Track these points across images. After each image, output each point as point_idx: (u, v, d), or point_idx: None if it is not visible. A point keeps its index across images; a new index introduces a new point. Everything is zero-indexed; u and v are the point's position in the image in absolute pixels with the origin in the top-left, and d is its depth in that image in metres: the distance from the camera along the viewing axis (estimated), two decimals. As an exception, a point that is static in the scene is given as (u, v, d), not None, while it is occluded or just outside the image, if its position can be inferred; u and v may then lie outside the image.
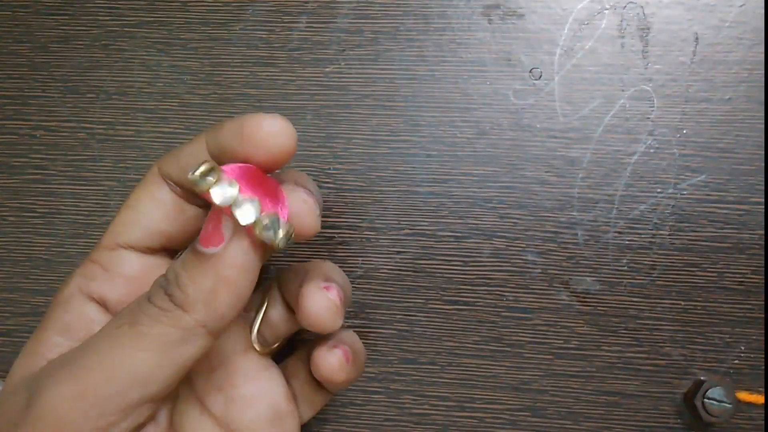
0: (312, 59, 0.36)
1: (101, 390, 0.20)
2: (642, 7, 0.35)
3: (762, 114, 0.34)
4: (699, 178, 0.34)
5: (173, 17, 0.37)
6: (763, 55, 0.34)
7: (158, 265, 0.25)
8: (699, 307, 0.34)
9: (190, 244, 0.21)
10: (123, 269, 0.24)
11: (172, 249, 0.26)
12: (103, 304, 0.24)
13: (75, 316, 0.24)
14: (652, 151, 0.35)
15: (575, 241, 0.35)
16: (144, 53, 0.37)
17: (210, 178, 0.18)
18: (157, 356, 0.20)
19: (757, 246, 0.34)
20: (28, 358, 0.23)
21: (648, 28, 0.35)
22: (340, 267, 0.29)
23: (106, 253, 0.24)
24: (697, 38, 0.35)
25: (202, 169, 0.18)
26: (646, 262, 0.34)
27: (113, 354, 0.20)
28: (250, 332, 0.27)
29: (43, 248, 0.37)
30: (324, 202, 0.36)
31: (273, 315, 0.28)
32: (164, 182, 0.24)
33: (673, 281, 0.34)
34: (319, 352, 0.26)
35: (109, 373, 0.20)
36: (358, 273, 0.35)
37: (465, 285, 0.35)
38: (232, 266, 0.20)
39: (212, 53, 0.36)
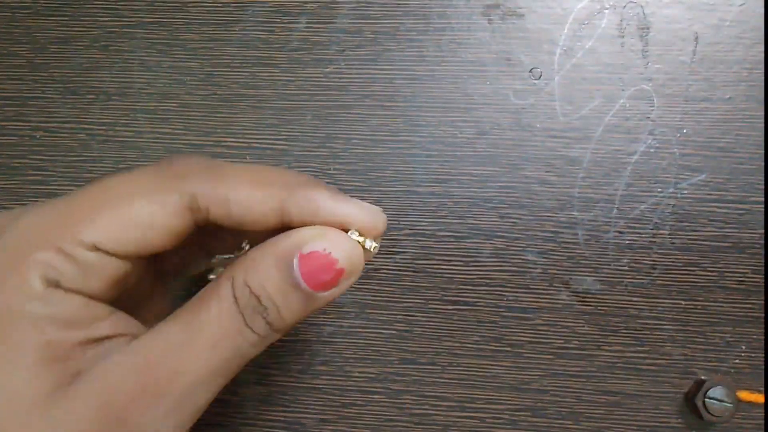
0: (312, 59, 0.36)
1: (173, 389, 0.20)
2: (642, 6, 0.35)
3: (762, 113, 0.34)
4: (699, 178, 0.34)
5: (173, 18, 0.37)
6: (763, 54, 0.34)
7: (125, 265, 0.21)
8: (699, 307, 0.34)
9: (285, 274, 0.20)
10: (103, 273, 0.20)
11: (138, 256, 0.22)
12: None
13: (67, 310, 0.20)
14: (652, 150, 0.34)
15: (575, 240, 0.35)
16: (144, 54, 0.37)
17: (372, 243, 0.21)
18: (227, 362, 0.20)
19: (757, 245, 0.34)
20: None
21: (648, 28, 0.35)
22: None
23: (80, 250, 0.20)
24: (697, 37, 0.35)
25: (358, 238, 0.21)
26: (646, 262, 0.34)
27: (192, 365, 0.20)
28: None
29: (43, 249, 0.37)
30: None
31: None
32: (176, 194, 0.20)
33: (674, 281, 0.34)
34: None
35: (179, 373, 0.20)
36: (359, 273, 0.35)
37: (465, 285, 0.35)
38: (331, 299, 0.21)
39: (212, 54, 0.36)
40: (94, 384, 0.19)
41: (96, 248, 0.20)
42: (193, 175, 0.21)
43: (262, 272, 0.20)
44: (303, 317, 0.21)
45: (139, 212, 0.20)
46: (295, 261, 0.20)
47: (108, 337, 0.20)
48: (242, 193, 0.20)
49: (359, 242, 0.21)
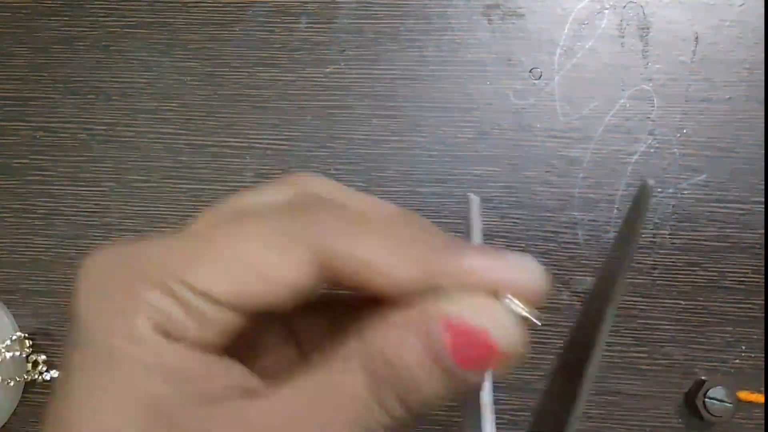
0: (312, 60, 0.36)
1: None
2: (642, 6, 0.35)
3: (762, 113, 0.34)
4: (699, 178, 0.34)
5: (174, 18, 0.37)
6: (763, 54, 0.34)
7: (239, 322, 0.18)
8: (700, 307, 0.34)
9: (427, 346, 0.16)
10: (216, 324, 0.18)
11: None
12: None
13: (176, 362, 0.17)
14: (652, 150, 0.35)
15: (576, 240, 0.35)
16: (145, 54, 0.37)
17: (536, 313, 0.17)
18: None
19: (757, 245, 0.34)
20: None
21: (648, 28, 0.35)
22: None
23: (192, 296, 0.17)
24: (697, 38, 0.35)
25: (516, 307, 0.17)
26: (647, 262, 0.34)
27: None
28: None
29: (43, 249, 0.37)
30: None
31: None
32: (310, 250, 0.17)
33: (674, 281, 0.34)
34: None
35: None
36: (359, 273, 0.35)
37: (466, 285, 0.35)
38: (479, 383, 0.18)
39: (213, 54, 0.36)
40: None
41: (209, 297, 0.17)
42: (328, 228, 0.18)
43: (402, 341, 0.16)
44: (442, 398, 0.17)
45: (265, 265, 0.17)
46: (441, 331, 0.16)
47: (222, 393, 0.18)
48: (383, 259, 0.17)
49: (518, 313, 0.17)
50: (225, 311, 0.17)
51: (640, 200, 0.16)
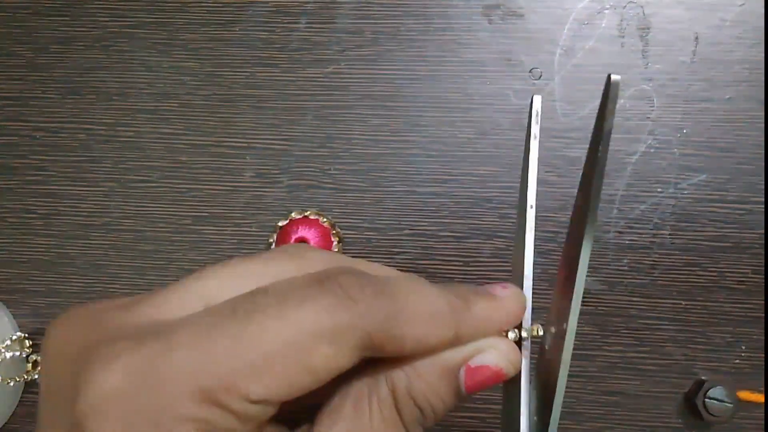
0: (312, 60, 0.36)
1: None
2: (642, 6, 0.35)
3: (762, 113, 0.34)
4: (699, 178, 0.34)
5: (173, 18, 0.37)
6: (763, 54, 0.34)
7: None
8: (700, 307, 0.34)
9: (451, 387, 0.19)
10: (260, 419, 0.17)
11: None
12: None
13: None
14: (652, 150, 0.35)
15: (576, 240, 0.35)
16: (144, 54, 0.37)
17: (528, 331, 0.21)
18: None
19: (757, 245, 0.34)
20: None
21: (648, 28, 0.35)
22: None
23: (243, 404, 0.17)
24: (697, 38, 0.35)
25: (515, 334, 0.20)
26: (646, 262, 0.34)
27: None
28: None
29: (43, 249, 0.37)
30: (324, 202, 0.36)
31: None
32: (355, 335, 0.18)
33: (674, 281, 0.34)
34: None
35: None
36: (359, 273, 0.35)
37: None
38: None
39: (212, 54, 0.36)
40: None
41: (262, 401, 0.17)
42: (367, 305, 0.18)
43: (428, 384, 0.19)
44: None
45: (317, 357, 0.17)
46: (462, 372, 0.19)
47: None
48: (420, 331, 0.18)
49: (519, 337, 0.21)
50: (270, 407, 0.17)
51: (606, 96, 0.18)
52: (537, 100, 0.22)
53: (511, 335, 0.20)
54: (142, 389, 0.16)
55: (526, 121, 0.35)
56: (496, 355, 0.20)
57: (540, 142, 0.37)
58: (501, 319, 0.20)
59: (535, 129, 0.22)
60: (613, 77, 0.17)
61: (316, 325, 0.17)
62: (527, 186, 0.22)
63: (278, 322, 0.17)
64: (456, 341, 0.19)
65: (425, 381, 0.19)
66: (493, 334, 0.20)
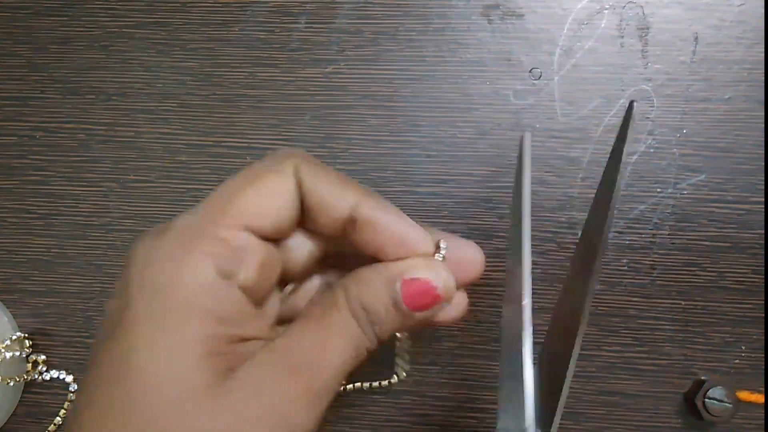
0: (311, 60, 0.36)
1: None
2: (641, 6, 0.35)
3: (762, 113, 0.34)
4: (699, 178, 0.34)
5: (173, 18, 0.37)
6: (762, 54, 0.34)
7: (269, 251, 0.23)
8: (699, 307, 0.34)
9: (390, 295, 0.23)
10: (253, 254, 0.22)
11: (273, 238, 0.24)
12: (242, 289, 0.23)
13: (228, 305, 0.22)
14: (651, 150, 0.35)
15: (575, 241, 0.35)
16: (144, 54, 0.37)
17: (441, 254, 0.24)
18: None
19: (757, 245, 0.34)
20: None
21: (647, 28, 0.35)
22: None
23: (233, 232, 0.22)
24: (696, 38, 0.35)
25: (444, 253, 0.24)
26: (646, 262, 0.34)
27: None
28: None
29: (42, 249, 0.37)
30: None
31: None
32: (295, 179, 0.24)
33: (674, 281, 0.34)
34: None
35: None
36: (359, 273, 0.35)
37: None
38: (424, 322, 0.24)
39: (212, 54, 0.36)
40: (252, 384, 0.21)
41: (246, 229, 0.22)
42: (297, 159, 0.24)
43: (372, 290, 0.23)
44: (396, 332, 0.24)
45: (273, 186, 0.23)
46: (398, 284, 0.23)
47: (253, 338, 0.22)
48: (326, 186, 0.24)
49: (443, 256, 0.24)
50: (256, 243, 0.22)
51: (627, 120, 0.21)
52: (527, 138, 0.25)
53: (438, 257, 0.24)
54: (173, 232, 0.22)
55: (526, 121, 0.35)
56: (429, 272, 0.23)
57: (540, 142, 0.37)
58: (427, 241, 0.24)
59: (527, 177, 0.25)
60: (634, 103, 0.21)
61: (263, 166, 0.23)
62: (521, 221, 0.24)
63: (246, 172, 0.23)
64: (350, 229, 0.23)
65: (372, 289, 0.23)
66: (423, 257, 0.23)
